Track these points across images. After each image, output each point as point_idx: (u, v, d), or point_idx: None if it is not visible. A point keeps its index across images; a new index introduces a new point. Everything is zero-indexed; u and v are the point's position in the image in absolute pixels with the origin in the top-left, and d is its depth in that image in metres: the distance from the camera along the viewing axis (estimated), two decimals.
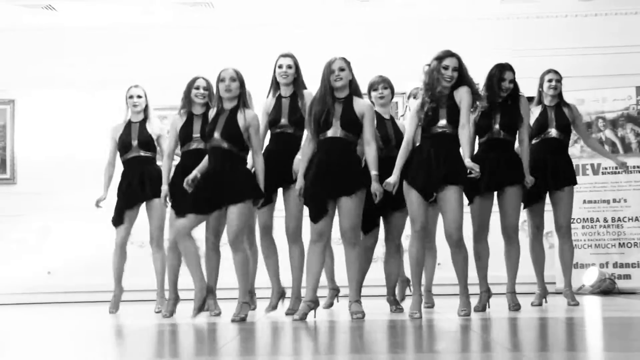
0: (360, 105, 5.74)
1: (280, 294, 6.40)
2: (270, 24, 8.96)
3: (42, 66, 8.94)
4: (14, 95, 9.07)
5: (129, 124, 6.92)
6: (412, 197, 5.69)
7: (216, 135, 5.66)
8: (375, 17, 8.94)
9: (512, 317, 5.83)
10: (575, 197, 8.05)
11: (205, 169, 5.76)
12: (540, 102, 6.73)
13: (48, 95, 9.00)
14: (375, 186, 5.64)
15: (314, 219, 5.67)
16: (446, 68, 5.73)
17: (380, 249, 6.54)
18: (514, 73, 6.28)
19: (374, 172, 5.67)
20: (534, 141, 6.57)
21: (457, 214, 5.67)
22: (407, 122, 5.99)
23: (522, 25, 9.01)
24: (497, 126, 6.25)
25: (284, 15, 8.96)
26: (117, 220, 6.79)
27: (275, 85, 6.26)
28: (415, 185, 5.68)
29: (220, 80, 5.75)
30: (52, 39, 9.02)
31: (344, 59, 5.77)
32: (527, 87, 6.67)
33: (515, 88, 6.31)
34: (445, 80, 5.72)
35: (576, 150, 8.33)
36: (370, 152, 5.71)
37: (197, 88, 6.42)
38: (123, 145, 6.87)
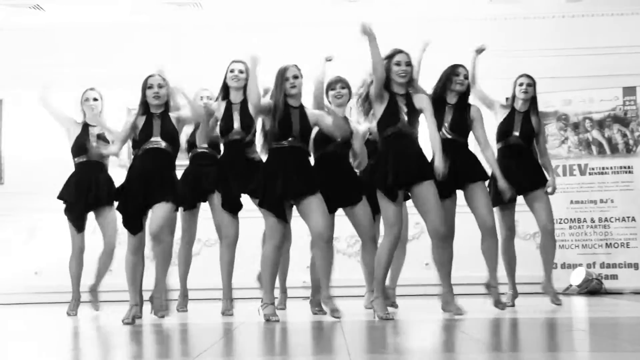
0: (314, 114, 5.83)
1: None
2: (259, 24, 8.95)
3: (30, 66, 8.90)
4: (1, 94, 9.04)
5: (85, 127, 6.87)
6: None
7: (155, 138, 5.80)
8: (364, 17, 8.91)
9: (494, 317, 5.82)
10: (562, 198, 8.10)
11: (137, 170, 5.84)
12: (512, 105, 6.56)
13: (36, 95, 8.94)
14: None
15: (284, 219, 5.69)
16: (398, 64, 5.68)
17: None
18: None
19: None
20: (498, 146, 6.52)
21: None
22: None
23: (510, 26, 9.01)
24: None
25: (272, 16, 8.95)
26: (80, 226, 6.85)
27: (225, 90, 6.29)
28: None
29: (148, 87, 5.86)
30: (40, 38, 8.99)
31: (297, 67, 5.80)
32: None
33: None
34: (400, 76, 5.67)
35: (563, 151, 8.36)
36: None
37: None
38: (78, 146, 6.81)
